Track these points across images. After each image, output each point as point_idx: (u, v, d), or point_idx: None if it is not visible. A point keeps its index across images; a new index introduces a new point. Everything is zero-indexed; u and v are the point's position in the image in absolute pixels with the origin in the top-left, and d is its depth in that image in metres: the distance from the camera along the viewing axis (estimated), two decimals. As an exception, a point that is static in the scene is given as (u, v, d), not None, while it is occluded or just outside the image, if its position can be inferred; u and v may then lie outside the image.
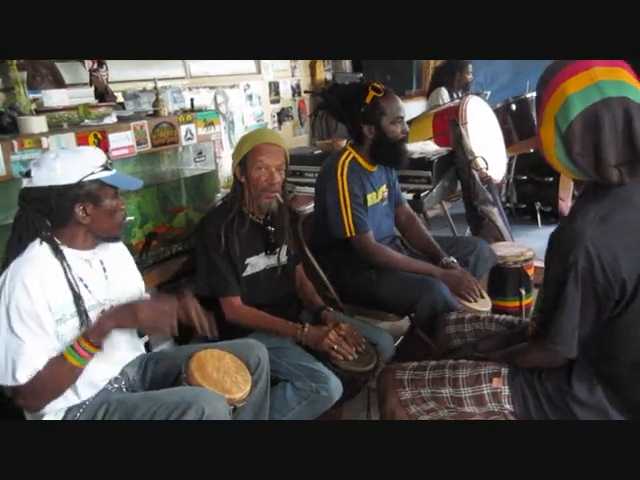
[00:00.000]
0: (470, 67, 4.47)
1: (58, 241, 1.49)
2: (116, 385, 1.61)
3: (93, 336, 1.44)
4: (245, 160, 1.93)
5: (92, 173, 1.46)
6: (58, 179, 1.43)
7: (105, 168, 1.49)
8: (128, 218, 1.64)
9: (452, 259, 2.28)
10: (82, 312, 1.47)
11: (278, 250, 2.04)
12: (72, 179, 1.44)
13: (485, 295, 2.25)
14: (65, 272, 1.47)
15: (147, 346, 1.92)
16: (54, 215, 1.46)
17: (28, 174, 1.45)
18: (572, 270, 1.24)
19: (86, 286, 1.51)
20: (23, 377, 1.37)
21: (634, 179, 1.25)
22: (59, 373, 1.42)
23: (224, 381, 1.56)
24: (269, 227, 2.01)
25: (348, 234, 2.21)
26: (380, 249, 2.25)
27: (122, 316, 1.48)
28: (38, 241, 1.46)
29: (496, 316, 1.84)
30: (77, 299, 1.47)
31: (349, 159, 2.27)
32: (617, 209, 1.26)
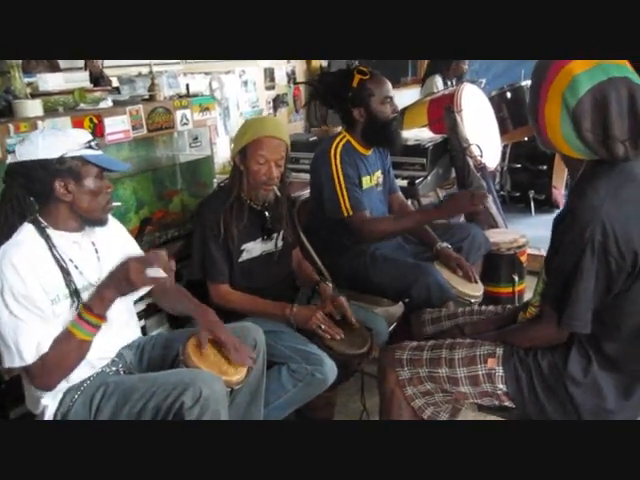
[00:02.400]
0: None
1: (44, 222, 1.48)
2: (113, 368, 1.62)
3: (95, 307, 1.42)
4: (245, 150, 1.92)
5: (74, 150, 1.46)
6: (40, 153, 1.43)
7: (89, 147, 1.49)
8: (115, 204, 1.61)
9: (446, 244, 2.30)
10: (73, 293, 1.47)
11: (275, 236, 2.05)
12: (54, 154, 1.44)
13: (478, 280, 2.28)
14: (52, 253, 1.46)
15: (144, 330, 1.93)
16: (35, 190, 1.46)
17: (13, 151, 1.46)
18: (589, 244, 1.28)
19: (76, 267, 1.51)
20: (29, 357, 1.38)
21: (637, 154, 1.30)
22: (68, 349, 1.41)
23: (221, 363, 1.58)
24: (266, 213, 2.01)
25: (345, 214, 2.22)
26: (374, 220, 2.26)
27: (117, 281, 1.41)
28: (26, 224, 1.46)
29: (476, 309, 1.85)
30: (67, 279, 1.47)
31: (343, 142, 2.27)
32: (624, 185, 1.31)
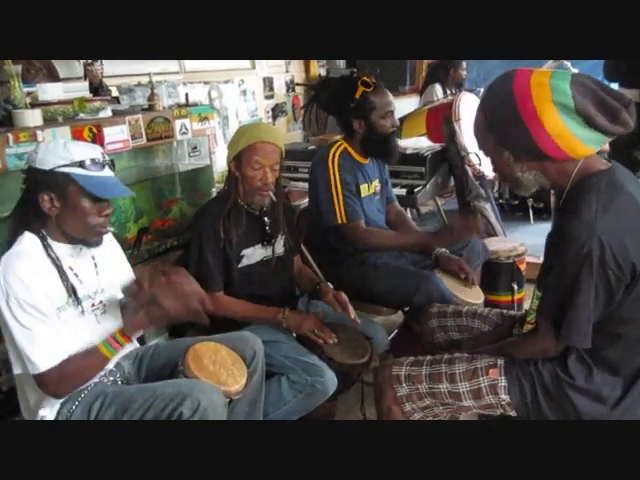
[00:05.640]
0: (464, 64, 4.51)
1: (43, 232, 1.47)
2: (111, 378, 1.61)
3: (128, 329, 1.48)
4: (240, 156, 1.92)
5: (64, 165, 1.41)
6: (36, 162, 1.43)
7: (80, 165, 1.41)
8: (108, 229, 1.54)
9: (445, 249, 2.31)
10: (76, 299, 1.48)
11: (274, 241, 2.05)
12: (46, 166, 1.42)
13: (477, 287, 2.28)
14: (55, 263, 1.46)
15: (142, 340, 1.92)
16: (28, 198, 1.45)
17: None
18: (586, 260, 1.28)
19: (76, 275, 1.51)
20: (44, 365, 1.38)
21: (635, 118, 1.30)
22: (90, 363, 1.46)
23: (220, 373, 1.57)
24: (265, 218, 2.01)
25: (339, 221, 2.22)
26: (369, 231, 2.26)
27: (151, 310, 1.47)
28: (27, 233, 1.46)
29: (479, 310, 1.85)
30: (71, 288, 1.47)
31: (340, 149, 2.28)
32: (615, 198, 1.32)
